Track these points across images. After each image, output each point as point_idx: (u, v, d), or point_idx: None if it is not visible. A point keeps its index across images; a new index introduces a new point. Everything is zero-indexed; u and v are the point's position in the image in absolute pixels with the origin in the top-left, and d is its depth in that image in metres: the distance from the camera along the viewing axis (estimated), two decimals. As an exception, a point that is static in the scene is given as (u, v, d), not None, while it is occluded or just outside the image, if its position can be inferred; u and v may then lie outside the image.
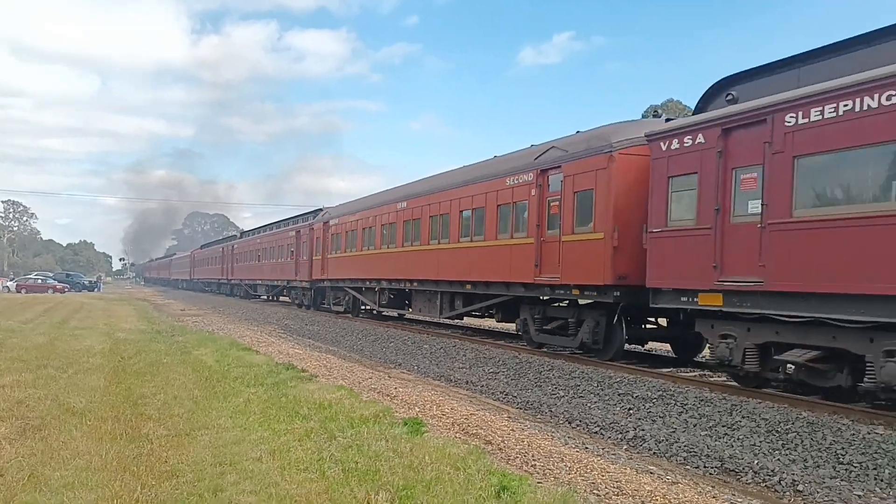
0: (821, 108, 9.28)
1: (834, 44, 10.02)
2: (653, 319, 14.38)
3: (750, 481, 7.51)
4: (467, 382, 13.34)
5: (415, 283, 21.66)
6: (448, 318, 20.74)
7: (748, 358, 10.50)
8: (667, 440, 8.82)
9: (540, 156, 15.52)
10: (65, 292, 63.74)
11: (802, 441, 8.29)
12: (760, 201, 10.06)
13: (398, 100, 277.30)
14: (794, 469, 7.59)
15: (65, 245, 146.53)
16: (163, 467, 6.58)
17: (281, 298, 42.00)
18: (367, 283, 25.87)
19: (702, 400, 10.19)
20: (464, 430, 8.93)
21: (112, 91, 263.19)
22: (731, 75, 11.53)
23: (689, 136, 11.33)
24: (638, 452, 8.63)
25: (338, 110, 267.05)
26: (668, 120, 12.90)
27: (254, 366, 13.52)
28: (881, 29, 9.50)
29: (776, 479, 7.41)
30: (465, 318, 20.82)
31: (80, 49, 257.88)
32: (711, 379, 12.09)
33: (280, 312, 32.63)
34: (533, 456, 7.66)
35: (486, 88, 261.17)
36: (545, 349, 15.61)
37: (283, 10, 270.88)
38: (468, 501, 5.66)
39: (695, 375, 12.39)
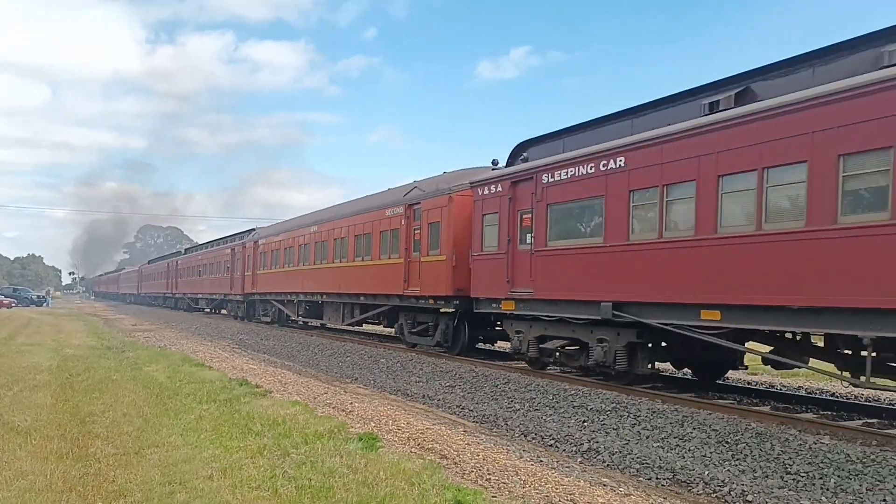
0: (560, 171, 13.43)
1: (589, 121, 14.03)
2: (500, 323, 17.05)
3: (701, 492, 7.63)
4: (424, 396, 13.31)
5: (325, 296, 25.62)
6: (350, 324, 24.65)
7: (531, 347, 14.59)
8: (620, 452, 8.92)
9: (407, 193, 19.92)
10: (11, 307, 61.85)
11: (751, 452, 8.46)
12: (531, 235, 14.17)
13: (357, 112, 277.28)
14: (744, 479, 7.73)
15: (12, 259, 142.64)
16: (110, 487, 6.44)
17: (222, 312, 44.41)
18: (289, 296, 29.73)
19: (654, 412, 10.34)
20: (419, 444, 8.90)
21: (63, 102, 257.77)
22: (526, 140, 15.80)
23: (494, 185, 15.53)
24: (592, 465, 8.70)
25: (296, 122, 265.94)
26: (494, 168, 16.33)
27: (206, 382, 13.31)
28: (625, 110, 13.18)
29: (726, 489, 7.54)
30: (363, 324, 24.76)
31: (30, 58, 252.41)
32: (663, 391, 12.27)
33: (235, 327, 32.18)
34: (488, 470, 7.66)
35: (443, 101, 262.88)
36: (417, 347, 19.36)
37: (239, 21, 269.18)
38: (422, 517, 5.64)
39: (648, 388, 12.55)
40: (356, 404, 11.70)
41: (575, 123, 14.27)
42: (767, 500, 7.15)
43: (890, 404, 11.69)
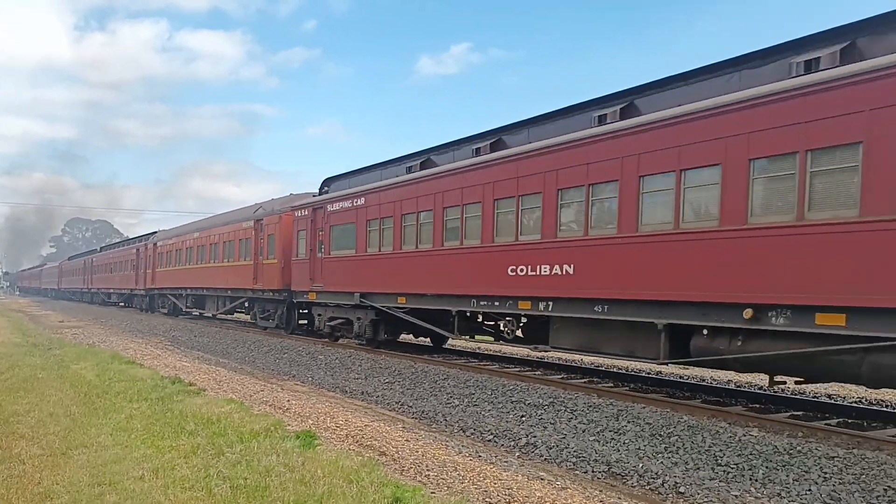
0: (336, 204, 19.65)
1: (380, 162, 19.51)
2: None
3: (635, 484, 7.77)
4: (363, 393, 13.22)
5: (205, 290, 31.61)
6: (223, 313, 30.89)
7: (325, 324, 20.71)
8: (557, 446, 9.03)
9: (255, 211, 26.66)
10: (-72, 303, 59.06)
11: (684, 444, 8.67)
12: (322, 246, 20.32)
13: (297, 105, 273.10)
14: (676, 471, 7.92)
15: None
16: (36, 489, 6.21)
17: (131, 306, 48.01)
18: (179, 290, 35.70)
19: (590, 406, 10.50)
20: (358, 441, 8.84)
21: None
22: (331, 176, 21.89)
23: (303, 210, 21.61)
24: (530, 459, 8.78)
25: (233, 114, 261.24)
26: (321, 190, 21.90)
27: (137, 380, 12.95)
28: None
29: (659, 481, 7.70)
30: (234, 313, 31.12)
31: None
32: (599, 385, 12.48)
33: (167, 324, 31.42)
34: (427, 466, 7.66)
35: (385, 96, 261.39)
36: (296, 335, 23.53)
37: (173, 9, 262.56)
38: (361, 514, 5.60)
39: (584, 382, 12.76)
40: (293, 402, 11.54)
41: (370, 164, 19.96)
42: (699, 491, 7.33)
43: (814, 397, 12.14)
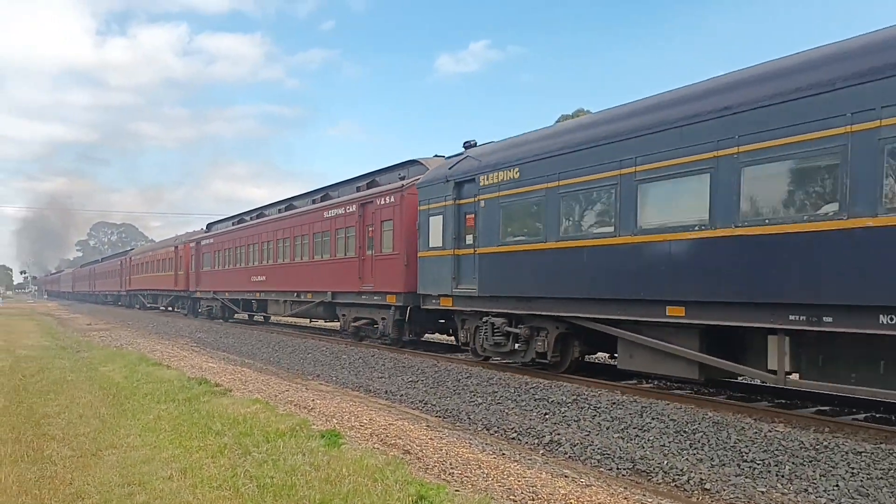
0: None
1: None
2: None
3: (660, 481, 7.76)
4: (386, 392, 13.29)
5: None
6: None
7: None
8: (581, 443, 9.02)
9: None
10: (-41, 308, 60.25)
11: (709, 440, 8.63)
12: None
13: (316, 105, 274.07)
14: (702, 468, 7.89)
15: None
16: (68, 490, 6.33)
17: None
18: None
19: (613, 403, 10.49)
20: (382, 440, 8.90)
21: (9, 93, 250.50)
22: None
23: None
24: (553, 457, 8.79)
25: (253, 115, 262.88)
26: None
27: (164, 381, 13.12)
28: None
29: (685, 478, 7.68)
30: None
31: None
32: (622, 382, 12.44)
33: (192, 325, 31.75)
34: (451, 464, 7.70)
35: (404, 95, 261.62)
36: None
37: (193, 12, 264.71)
38: (386, 512, 5.65)
39: (607, 379, 12.72)
40: (318, 401, 11.64)
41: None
42: (725, 487, 7.30)
43: (838, 393, 12.00)
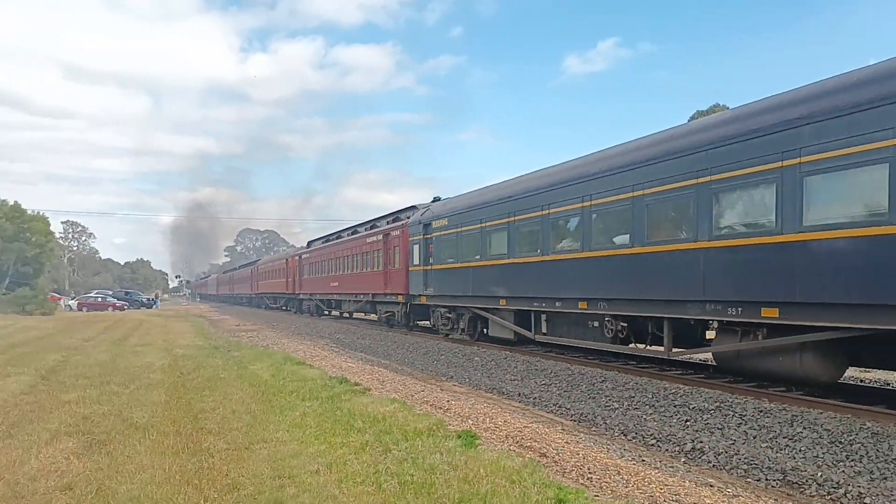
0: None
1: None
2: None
3: (814, 494, 7.32)
4: (519, 395, 13.28)
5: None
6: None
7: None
8: (726, 452, 8.66)
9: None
10: (124, 310, 65.49)
11: (867, 452, 8.06)
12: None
13: (445, 111, 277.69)
14: (860, 481, 7.38)
15: (122, 263, 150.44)
16: (224, 480, 6.72)
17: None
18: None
19: (761, 411, 9.99)
20: (518, 442, 8.90)
21: (163, 110, 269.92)
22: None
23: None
24: (696, 465, 8.48)
25: (385, 123, 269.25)
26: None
27: (308, 380, 13.71)
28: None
29: (841, 491, 7.21)
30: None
31: (131, 69, 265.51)
32: (770, 389, 11.82)
33: (332, 327, 32.99)
34: (589, 469, 7.59)
35: (531, 98, 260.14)
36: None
37: (328, 26, 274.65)
38: (525, 514, 5.65)
39: (752, 386, 12.13)
40: (453, 402, 11.80)
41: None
42: (886, 502, 6.79)
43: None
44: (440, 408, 11.28)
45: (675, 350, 13.12)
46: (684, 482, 7.19)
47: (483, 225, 19.73)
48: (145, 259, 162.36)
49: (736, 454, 8.54)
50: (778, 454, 8.43)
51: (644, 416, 10.75)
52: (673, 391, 11.71)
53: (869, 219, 9.16)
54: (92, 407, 10.69)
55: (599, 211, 14.49)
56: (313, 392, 12.04)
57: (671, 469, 7.95)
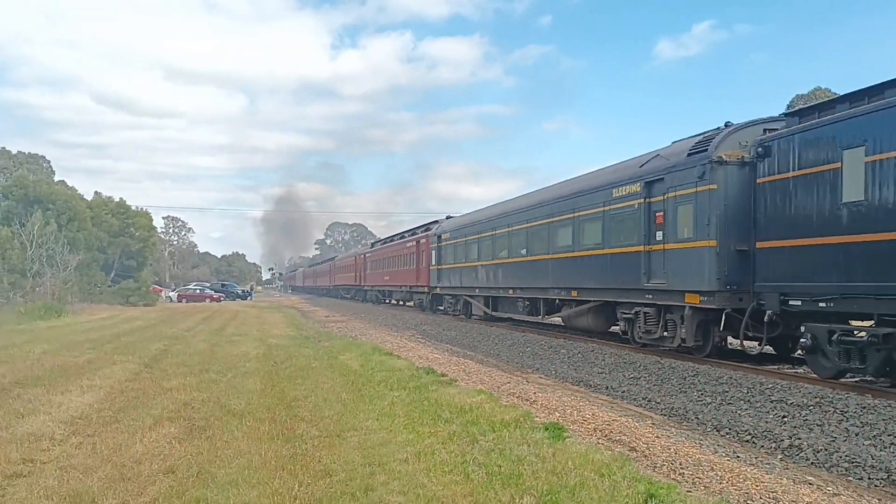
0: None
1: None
2: None
3: (922, 495, 6.95)
4: (607, 388, 13.11)
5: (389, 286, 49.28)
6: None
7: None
8: (826, 450, 8.31)
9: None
10: (220, 301, 68.12)
11: (983, 453, 7.59)
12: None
13: (531, 102, 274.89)
14: (975, 484, 6.96)
15: (219, 256, 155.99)
16: (317, 466, 6.91)
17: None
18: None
19: (864, 407, 9.54)
20: (606, 436, 8.80)
21: (258, 108, 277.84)
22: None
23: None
24: (794, 462, 8.18)
25: (472, 116, 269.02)
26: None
27: (396, 370, 13.92)
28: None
29: (953, 493, 6.83)
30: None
31: (228, 69, 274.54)
32: (874, 385, 11.27)
33: (417, 318, 33.38)
34: (680, 464, 7.44)
35: (622, 85, 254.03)
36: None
37: (416, 20, 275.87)
38: (614, 508, 5.59)
39: (856, 381, 11.60)
40: (539, 394, 11.76)
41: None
42: None
43: None
44: (526, 400, 11.26)
45: (546, 316, 22.82)
46: (781, 479, 6.96)
47: (466, 239, 30.33)
48: (240, 252, 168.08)
49: (836, 451, 8.19)
50: (882, 452, 8.04)
51: (738, 412, 10.44)
52: (769, 386, 11.31)
53: (596, 246, 18.20)
54: (192, 394, 11.18)
55: (515, 233, 24.39)
56: (401, 382, 12.22)
57: (767, 466, 7.70)
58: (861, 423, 9.06)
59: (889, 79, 10.60)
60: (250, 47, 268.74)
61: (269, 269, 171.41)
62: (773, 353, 14.43)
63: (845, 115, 11.00)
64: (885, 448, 8.18)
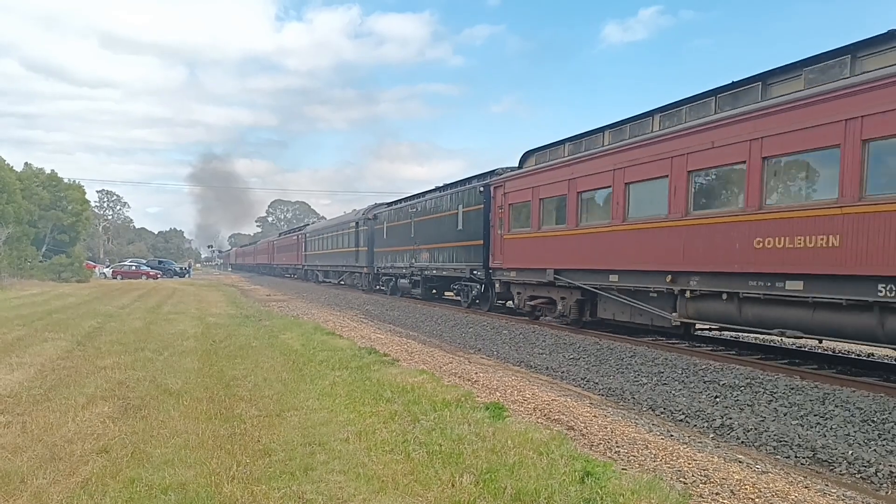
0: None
1: None
2: None
3: (844, 472, 7.27)
4: (547, 368, 13.31)
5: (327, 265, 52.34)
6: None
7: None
8: (755, 429, 8.61)
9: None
10: (157, 278, 66.51)
11: (901, 432, 7.97)
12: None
13: (479, 83, 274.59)
14: (893, 460, 7.30)
15: (156, 233, 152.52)
16: (256, 446, 6.84)
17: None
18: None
19: (792, 388, 9.91)
20: (545, 415, 8.93)
21: (199, 81, 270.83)
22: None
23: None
24: (725, 441, 8.45)
25: (418, 95, 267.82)
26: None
27: (338, 350, 13.85)
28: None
29: (872, 469, 7.15)
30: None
31: (169, 39, 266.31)
32: (801, 367, 11.70)
33: (361, 298, 33.24)
34: (616, 442, 7.60)
35: (569, 67, 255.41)
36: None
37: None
38: (552, 486, 5.68)
39: (784, 363, 12.02)
40: (481, 374, 11.85)
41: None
42: (920, 483, 6.72)
43: None
44: (468, 380, 11.34)
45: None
46: (713, 457, 7.18)
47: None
48: (178, 229, 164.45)
49: (766, 431, 8.49)
50: (808, 432, 8.37)
51: (673, 392, 10.72)
52: (703, 367, 11.64)
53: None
54: (127, 372, 10.92)
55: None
56: (343, 362, 12.17)
57: (700, 444, 7.93)
58: (789, 403, 9.40)
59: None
60: (192, 16, 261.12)
61: (209, 247, 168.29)
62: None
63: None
64: (812, 427, 8.52)
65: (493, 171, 22.91)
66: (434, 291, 29.53)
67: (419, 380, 10.58)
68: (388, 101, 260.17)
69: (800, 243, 10.15)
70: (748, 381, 10.52)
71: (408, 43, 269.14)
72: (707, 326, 14.11)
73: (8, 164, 53.94)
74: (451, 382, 10.79)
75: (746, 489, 6.09)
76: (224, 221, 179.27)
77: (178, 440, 6.98)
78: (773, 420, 8.94)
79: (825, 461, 7.57)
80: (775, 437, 8.27)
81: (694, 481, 6.29)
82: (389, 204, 35.80)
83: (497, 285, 21.41)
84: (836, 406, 8.98)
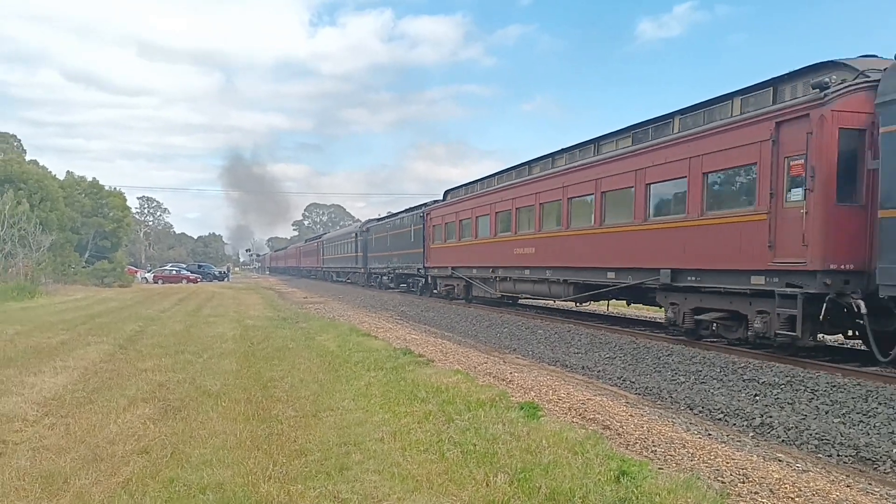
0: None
1: None
2: None
3: (888, 471, 7.11)
4: (583, 367, 13.23)
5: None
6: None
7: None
8: (796, 427, 8.46)
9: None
10: (197, 282, 67.58)
11: (948, 430, 7.77)
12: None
13: (511, 83, 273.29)
14: (939, 460, 7.12)
15: (195, 237, 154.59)
16: (292, 446, 6.91)
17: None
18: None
19: (833, 386, 9.71)
20: (581, 415, 8.88)
21: (235, 87, 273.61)
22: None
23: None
24: (765, 440, 8.31)
25: (451, 96, 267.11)
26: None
27: (373, 351, 13.92)
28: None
29: (918, 469, 6.98)
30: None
31: (205, 46, 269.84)
32: (843, 365, 11.46)
33: (396, 300, 33.38)
34: (653, 442, 7.53)
35: (602, 66, 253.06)
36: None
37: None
38: (587, 485, 5.64)
39: (826, 361, 11.78)
40: (515, 374, 11.83)
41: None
42: (968, 482, 6.55)
43: None
44: (503, 379, 11.32)
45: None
46: (752, 456, 7.07)
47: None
48: (217, 233, 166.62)
49: (807, 429, 8.34)
50: (851, 430, 8.20)
51: (711, 391, 10.58)
52: (742, 365, 11.47)
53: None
54: (167, 375, 11.11)
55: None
56: (378, 362, 12.23)
57: (738, 443, 7.82)
58: (831, 401, 9.22)
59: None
60: (227, 23, 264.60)
61: (247, 251, 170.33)
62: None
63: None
64: (854, 426, 8.34)
65: (426, 203, 34.48)
66: (403, 285, 38.81)
67: (454, 380, 10.59)
68: (423, 103, 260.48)
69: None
70: (788, 378, 10.33)
71: (441, 44, 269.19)
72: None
73: (51, 173, 55.28)
74: (485, 382, 10.79)
75: (786, 488, 6.00)
76: (259, 224, 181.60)
77: (216, 441, 7.08)
78: (815, 418, 8.77)
79: (869, 460, 7.41)
80: (817, 436, 8.12)
81: (732, 480, 6.21)
82: (377, 220, 47.42)
83: (429, 278, 32.50)
84: (880, 404, 8.78)
